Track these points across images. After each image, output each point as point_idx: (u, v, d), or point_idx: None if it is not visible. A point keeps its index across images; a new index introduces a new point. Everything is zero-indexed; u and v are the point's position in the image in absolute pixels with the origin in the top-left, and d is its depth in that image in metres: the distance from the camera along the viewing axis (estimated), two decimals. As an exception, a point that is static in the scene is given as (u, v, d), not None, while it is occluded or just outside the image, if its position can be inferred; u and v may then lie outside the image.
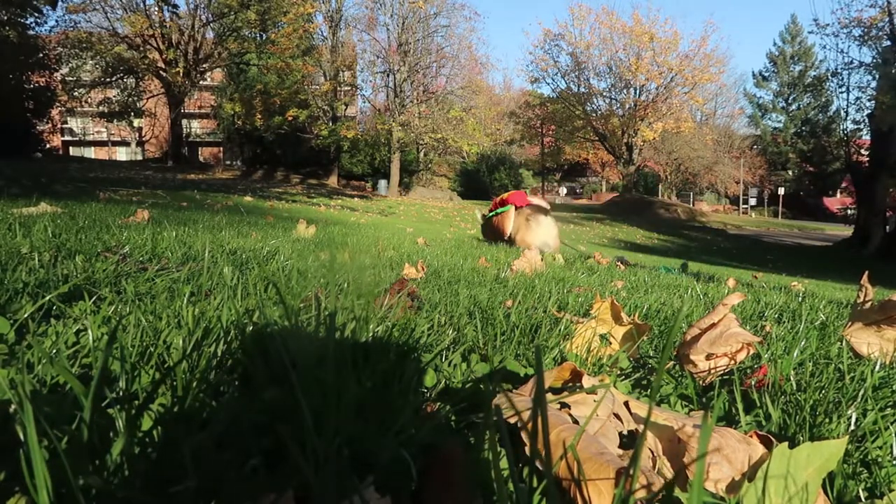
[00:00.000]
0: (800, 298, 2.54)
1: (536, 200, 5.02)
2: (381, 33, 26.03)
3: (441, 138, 25.40)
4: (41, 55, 20.41)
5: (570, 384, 0.81)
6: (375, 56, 26.32)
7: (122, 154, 39.34)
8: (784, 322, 1.77)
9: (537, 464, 0.42)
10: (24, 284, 1.07)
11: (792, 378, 0.98)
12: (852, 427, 0.82)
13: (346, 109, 28.39)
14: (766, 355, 1.14)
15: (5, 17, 17.74)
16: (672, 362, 1.05)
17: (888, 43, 18.25)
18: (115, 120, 28.07)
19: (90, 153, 37.48)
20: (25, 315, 0.87)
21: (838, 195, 44.80)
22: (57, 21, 22.22)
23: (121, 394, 0.64)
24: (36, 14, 18.87)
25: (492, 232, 5.05)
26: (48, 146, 24.23)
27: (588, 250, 7.08)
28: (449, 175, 36.10)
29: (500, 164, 35.79)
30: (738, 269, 8.10)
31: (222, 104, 28.54)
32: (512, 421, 0.64)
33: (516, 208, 4.83)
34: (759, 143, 44.68)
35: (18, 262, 1.26)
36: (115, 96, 26.87)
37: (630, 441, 0.68)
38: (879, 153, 19.26)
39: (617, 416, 0.70)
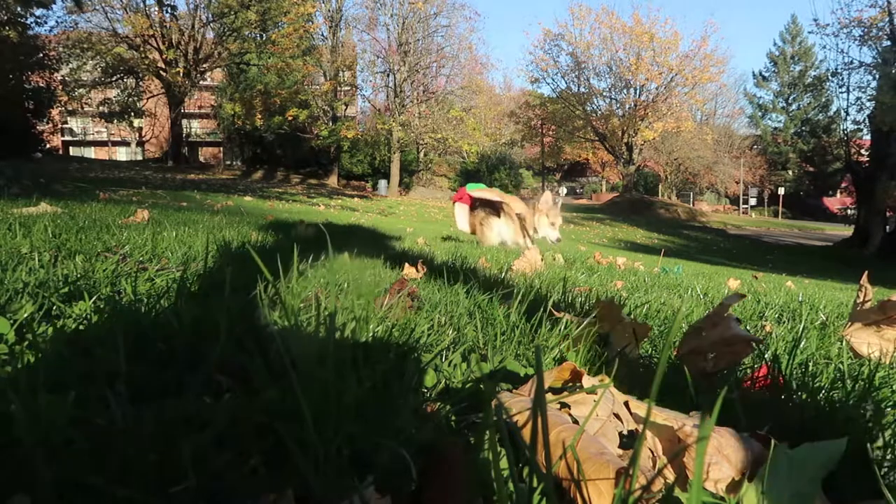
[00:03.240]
0: (800, 298, 2.54)
1: (482, 194, 4.63)
2: (381, 33, 26.06)
3: (441, 138, 25.42)
4: (41, 55, 20.42)
5: (570, 384, 0.81)
6: (375, 56, 26.34)
7: (122, 154, 39.34)
8: (784, 322, 1.78)
9: (537, 464, 0.42)
10: (24, 284, 1.07)
11: (792, 378, 0.98)
12: (852, 427, 0.81)
13: (346, 109, 28.40)
14: (766, 355, 1.14)
15: (5, 18, 17.74)
16: (672, 362, 1.05)
17: (888, 43, 18.25)
18: (115, 120, 28.09)
19: (90, 153, 37.47)
20: (25, 315, 0.87)
21: (838, 195, 44.80)
22: (57, 21, 22.26)
23: (121, 393, 0.64)
24: (42, 7, 18.78)
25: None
26: (48, 146, 24.23)
27: (588, 250, 7.08)
28: (449, 175, 36.05)
29: (501, 164, 35.76)
30: (738, 269, 8.10)
31: (222, 104, 28.54)
32: (512, 421, 0.64)
33: (471, 208, 4.60)
34: (759, 143, 44.68)
35: (18, 262, 1.26)
36: (115, 96, 26.88)
37: (630, 441, 0.68)
38: (879, 153, 19.27)
39: (617, 416, 0.70)
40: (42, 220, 2.19)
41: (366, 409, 0.62)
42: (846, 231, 24.77)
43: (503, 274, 2.27)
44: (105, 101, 26.64)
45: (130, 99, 27.17)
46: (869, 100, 20.00)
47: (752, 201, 44.07)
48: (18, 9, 17.87)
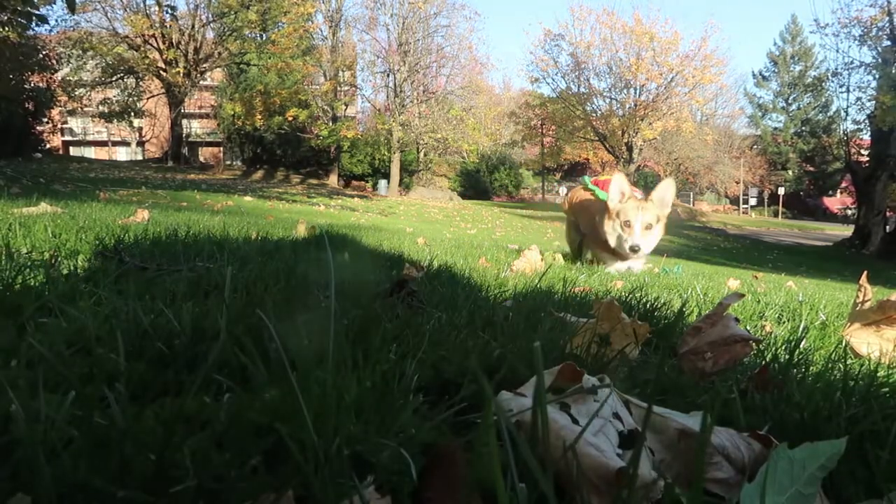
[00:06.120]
0: (800, 298, 2.54)
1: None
2: (381, 33, 26.08)
3: (441, 138, 25.44)
4: (41, 55, 20.39)
5: (570, 384, 0.81)
6: (375, 56, 26.37)
7: (122, 154, 39.32)
8: (784, 322, 1.78)
9: (537, 464, 0.42)
10: (24, 284, 1.07)
11: (792, 377, 0.98)
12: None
13: (346, 109, 28.41)
14: (766, 355, 1.14)
15: (5, 18, 17.75)
16: (672, 362, 1.05)
17: (888, 43, 18.25)
18: (115, 120, 28.08)
19: (90, 153, 37.42)
20: (26, 315, 0.87)
21: (838, 195, 44.80)
22: (57, 21, 22.18)
23: (121, 393, 0.64)
24: (43, 22, 18.84)
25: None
26: (48, 146, 24.20)
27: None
28: (449, 175, 36.09)
29: (501, 164, 35.80)
30: (738, 269, 8.09)
31: (222, 104, 28.53)
32: (512, 421, 0.64)
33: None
34: (759, 143, 44.67)
35: (19, 262, 1.26)
36: (115, 96, 26.87)
37: (630, 441, 0.68)
38: (879, 153, 19.27)
39: (617, 415, 0.70)
40: (42, 220, 2.19)
41: (366, 409, 0.62)
42: (846, 231, 24.74)
43: (502, 273, 2.28)
44: (105, 101, 26.63)
45: (130, 99, 27.15)
46: (869, 100, 20.00)
47: (752, 201, 44.07)
48: (20, 19, 17.86)
